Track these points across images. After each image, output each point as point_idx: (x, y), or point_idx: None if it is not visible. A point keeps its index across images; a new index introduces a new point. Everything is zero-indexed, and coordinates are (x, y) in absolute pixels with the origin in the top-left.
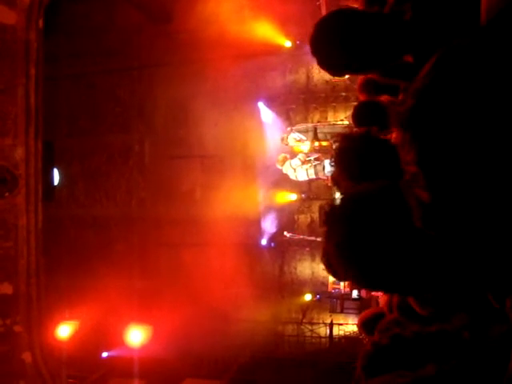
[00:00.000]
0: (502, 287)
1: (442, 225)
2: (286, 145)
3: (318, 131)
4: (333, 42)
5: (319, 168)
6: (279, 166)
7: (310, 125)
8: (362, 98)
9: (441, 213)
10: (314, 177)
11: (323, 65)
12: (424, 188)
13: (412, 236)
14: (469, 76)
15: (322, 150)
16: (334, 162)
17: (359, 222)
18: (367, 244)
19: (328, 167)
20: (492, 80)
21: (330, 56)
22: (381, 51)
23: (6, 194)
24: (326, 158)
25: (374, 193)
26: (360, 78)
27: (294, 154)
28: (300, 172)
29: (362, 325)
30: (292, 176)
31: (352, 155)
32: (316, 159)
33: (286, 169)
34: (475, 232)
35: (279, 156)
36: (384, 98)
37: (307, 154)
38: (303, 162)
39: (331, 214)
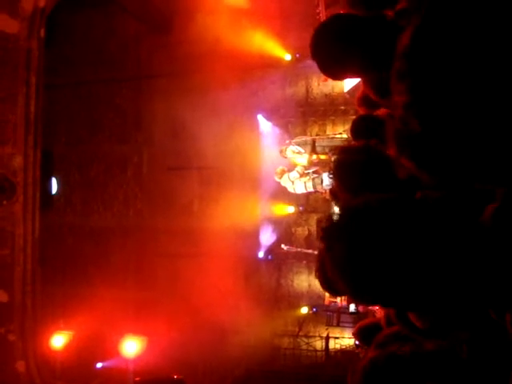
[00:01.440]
0: (503, 301)
1: (430, 154)
2: (285, 157)
3: (317, 144)
4: (333, 42)
5: (317, 181)
6: (277, 179)
7: (308, 138)
8: (360, 111)
9: (429, 140)
10: (312, 190)
11: (323, 68)
12: (414, 116)
13: (415, 250)
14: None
15: (320, 163)
16: (333, 174)
17: (360, 236)
18: (369, 260)
19: (326, 180)
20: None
21: (330, 58)
22: (378, 52)
23: (4, 202)
24: (325, 171)
25: (375, 205)
26: (359, 92)
27: (292, 167)
28: (298, 185)
29: (358, 333)
30: (290, 189)
31: (350, 168)
32: (314, 172)
33: (284, 181)
34: (465, 162)
35: (277, 169)
36: (382, 111)
37: (306, 167)
38: (301, 175)
39: (329, 229)
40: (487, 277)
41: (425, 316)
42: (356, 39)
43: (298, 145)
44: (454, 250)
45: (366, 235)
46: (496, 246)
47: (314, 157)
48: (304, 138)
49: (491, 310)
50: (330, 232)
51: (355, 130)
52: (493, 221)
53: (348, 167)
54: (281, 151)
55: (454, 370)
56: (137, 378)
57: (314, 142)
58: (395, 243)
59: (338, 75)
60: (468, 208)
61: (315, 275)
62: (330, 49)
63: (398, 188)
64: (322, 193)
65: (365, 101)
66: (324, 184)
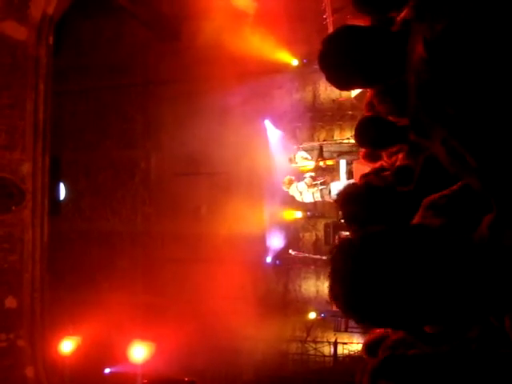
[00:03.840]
0: (501, 305)
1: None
2: (296, 164)
3: (324, 150)
4: (340, 56)
5: (325, 192)
6: (285, 189)
7: (316, 143)
8: (368, 115)
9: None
10: (320, 199)
11: (331, 79)
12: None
13: (418, 272)
14: None
15: (327, 169)
16: (341, 213)
17: (363, 272)
18: (374, 291)
19: (334, 190)
20: None
21: (338, 70)
22: (386, 65)
23: (13, 208)
24: (333, 181)
25: (377, 238)
26: (367, 97)
27: (300, 176)
28: (306, 195)
29: (367, 349)
30: (298, 198)
31: (354, 205)
32: (322, 183)
33: (293, 191)
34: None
35: (285, 178)
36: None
37: (314, 178)
38: (309, 186)
39: (334, 266)
40: (486, 285)
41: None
42: (363, 54)
43: (306, 150)
44: (454, 267)
45: (370, 267)
46: (492, 257)
47: (322, 163)
48: (311, 144)
49: (492, 316)
50: (333, 272)
51: (360, 134)
52: (489, 231)
53: (352, 204)
54: (290, 160)
55: (462, 370)
56: (145, 381)
57: (321, 147)
58: (399, 268)
59: (346, 87)
60: (466, 224)
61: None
62: (338, 62)
63: (400, 220)
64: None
65: (373, 106)
66: (332, 194)
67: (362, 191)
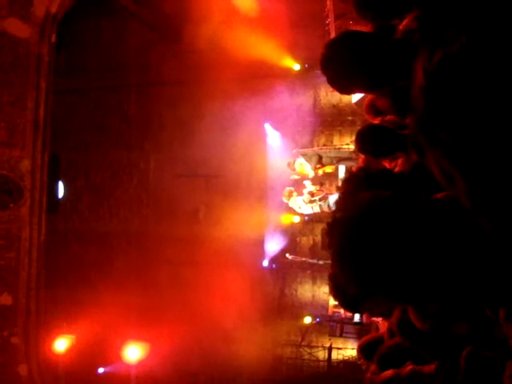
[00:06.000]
0: (495, 297)
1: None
2: (293, 170)
3: (324, 155)
4: (342, 59)
5: (324, 206)
6: (285, 200)
7: (315, 148)
8: (368, 117)
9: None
10: (318, 211)
11: (332, 82)
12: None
13: (415, 243)
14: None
15: (326, 175)
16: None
17: (362, 231)
18: (372, 252)
19: (333, 203)
20: None
21: (340, 73)
22: (388, 70)
23: (11, 205)
24: (331, 194)
25: (376, 202)
26: (367, 100)
27: (299, 182)
28: (305, 208)
29: (361, 349)
30: (297, 210)
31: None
32: (321, 199)
33: (292, 203)
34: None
35: (285, 191)
36: (389, 117)
37: (312, 194)
38: (307, 203)
39: (333, 228)
40: (484, 275)
41: (424, 316)
42: (365, 60)
43: (304, 156)
44: (454, 247)
45: (368, 231)
46: (493, 247)
47: (320, 171)
48: (310, 150)
49: (485, 306)
50: (332, 233)
51: (360, 142)
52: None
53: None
54: (289, 164)
55: None
56: None
57: (319, 156)
58: (400, 236)
59: (347, 91)
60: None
61: (328, 280)
62: (340, 66)
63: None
64: None
65: (373, 108)
66: (331, 206)
67: (361, 174)
